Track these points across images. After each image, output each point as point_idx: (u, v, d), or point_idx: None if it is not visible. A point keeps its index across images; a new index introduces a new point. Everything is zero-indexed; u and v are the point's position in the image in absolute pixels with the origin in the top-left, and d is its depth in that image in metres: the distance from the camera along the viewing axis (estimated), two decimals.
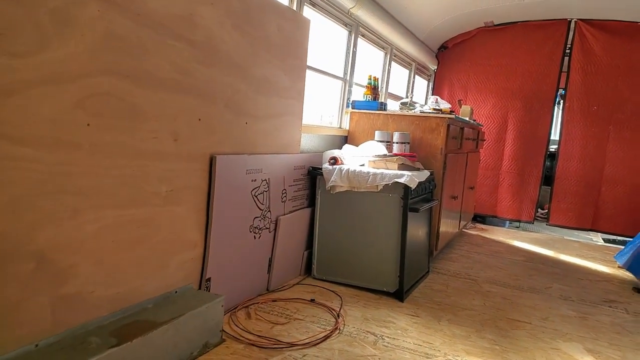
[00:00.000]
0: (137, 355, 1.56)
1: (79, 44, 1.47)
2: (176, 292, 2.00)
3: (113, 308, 1.70)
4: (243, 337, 2.02)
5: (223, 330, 2.01)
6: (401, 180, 2.66)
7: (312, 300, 2.52)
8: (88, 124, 1.53)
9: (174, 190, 1.93)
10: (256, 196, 2.43)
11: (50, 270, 1.47)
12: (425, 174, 2.95)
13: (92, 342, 1.51)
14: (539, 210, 5.73)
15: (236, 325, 2.13)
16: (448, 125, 3.35)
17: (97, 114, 1.56)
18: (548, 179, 5.28)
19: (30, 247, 1.40)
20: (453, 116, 3.40)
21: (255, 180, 2.41)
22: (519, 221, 5.37)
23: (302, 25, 2.77)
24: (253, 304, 2.41)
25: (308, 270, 2.97)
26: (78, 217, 1.54)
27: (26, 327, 1.42)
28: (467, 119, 4.02)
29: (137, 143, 1.73)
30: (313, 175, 2.93)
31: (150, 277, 1.86)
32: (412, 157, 3.13)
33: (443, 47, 5.59)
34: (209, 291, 2.16)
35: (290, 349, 1.96)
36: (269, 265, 2.61)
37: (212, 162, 2.11)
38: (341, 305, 2.50)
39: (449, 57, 5.60)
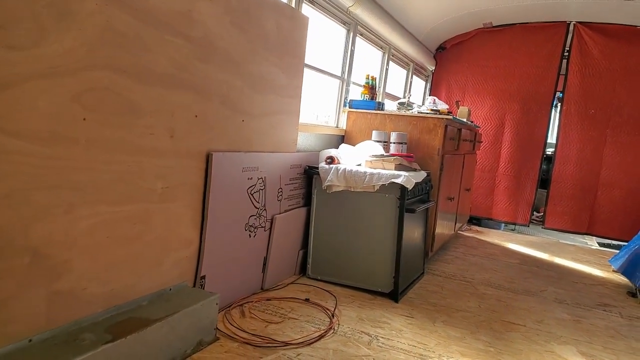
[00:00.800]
0: (130, 352, 1.55)
1: (77, 38, 1.46)
2: (171, 289, 1.99)
3: (107, 305, 1.70)
4: (237, 335, 2.02)
5: (217, 329, 2.01)
6: (398, 181, 2.66)
7: (307, 300, 2.52)
8: (84, 119, 1.52)
9: (169, 187, 1.92)
10: (252, 194, 2.42)
11: (45, 265, 1.46)
12: (422, 174, 2.95)
13: (86, 338, 1.50)
14: (535, 213, 5.74)
15: (230, 324, 2.12)
16: (445, 126, 3.34)
17: (94, 109, 1.55)
18: (544, 182, 5.27)
19: (25, 242, 1.39)
20: (450, 117, 3.39)
21: (251, 178, 2.40)
22: (515, 224, 5.37)
23: (301, 23, 2.76)
24: (247, 302, 2.40)
25: (303, 269, 2.97)
26: (73, 212, 1.52)
27: (20, 322, 1.41)
28: (464, 120, 4.02)
29: (134, 139, 1.72)
30: (309, 175, 2.92)
31: (144, 274, 1.85)
32: (409, 157, 3.12)
33: (441, 48, 5.58)
34: (204, 289, 2.15)
35: (284, 348, 1.96)
36: (264, 264, 2.60)
37: (208, 159, 2.10)
38: (336, 305, 2.49)
39: (447, 58, 5.59)
